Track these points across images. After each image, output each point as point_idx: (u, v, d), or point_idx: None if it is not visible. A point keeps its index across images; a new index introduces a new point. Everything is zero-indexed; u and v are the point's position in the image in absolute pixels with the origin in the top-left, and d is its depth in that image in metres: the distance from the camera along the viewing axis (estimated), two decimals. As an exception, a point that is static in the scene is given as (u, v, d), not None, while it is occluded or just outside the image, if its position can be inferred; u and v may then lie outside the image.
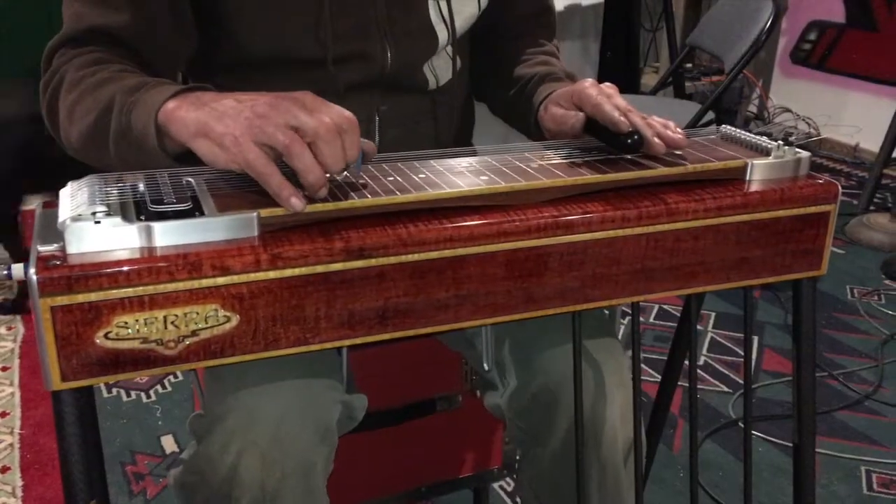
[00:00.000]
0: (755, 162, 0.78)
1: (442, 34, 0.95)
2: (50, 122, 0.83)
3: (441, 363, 1.08)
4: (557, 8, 2.88)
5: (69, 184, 0.67)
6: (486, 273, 0.68)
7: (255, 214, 0.63)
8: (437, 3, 0.93)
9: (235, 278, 0.61)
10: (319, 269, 0.63)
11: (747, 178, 0.78)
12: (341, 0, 0.87)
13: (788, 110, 3.68)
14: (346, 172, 0.70)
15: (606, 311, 1.11)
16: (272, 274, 0.62)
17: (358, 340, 0.67)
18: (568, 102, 0.85)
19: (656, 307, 2.17)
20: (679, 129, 0.79)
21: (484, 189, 0.70)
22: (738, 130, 0.85)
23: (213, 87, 0.73)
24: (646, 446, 0.89)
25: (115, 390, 1.78)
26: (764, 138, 0.82)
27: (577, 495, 0.81)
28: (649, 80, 3.56)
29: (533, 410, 0.88)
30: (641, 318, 2.06)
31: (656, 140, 0.76)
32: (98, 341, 0.59)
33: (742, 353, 1.92)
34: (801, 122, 3.64)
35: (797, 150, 0.81)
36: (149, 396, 1.77)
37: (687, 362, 1.00)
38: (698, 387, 1.84)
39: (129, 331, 0.60)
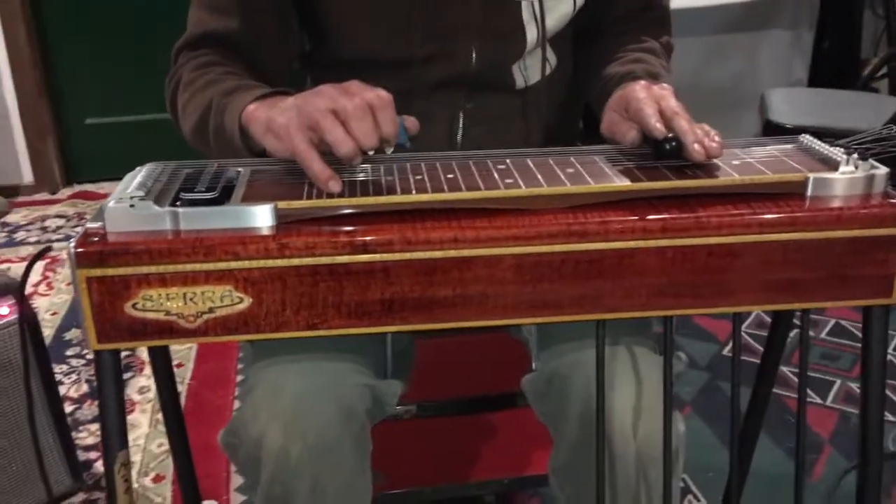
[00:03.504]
0: (816, 176, 0.72)
1: (531, 34, 0.95)
2: (172, 115, 0.95)
3: (523, 357, 1.09)
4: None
5: (137, 168, 0.77)
6: (494, 276, 0.69)
7: (271, 206, 0.68)
8: (532, 2, 0.94)
9: (246, 263, 0.67)
10: (325, 260, 0.67)
11: (808, 193, 0.72)
12: (432, 2, 0.90)
13: None
14: (390, 148, 0.75)
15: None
16: (280, 262, 0.67)
17: (366, 330, 0.71)
18: (620, 108, 0.82)
19: (832, 321, 2.00)
20: (717, 140, 0.74)
21: (501, 193, 0.71)
22: (816, 141, 0.79)
23: (295, 90, 0.81)
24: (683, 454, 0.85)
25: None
26: (839, 150, 0.75)
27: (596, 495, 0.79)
28: (877, 72, 3.23)
29: (550, 395, 0.87)
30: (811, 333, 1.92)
31: (696, 147, 0.73)
32: (127, 311, 0.67)
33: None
34: None
35: (874, 164, 0.73)
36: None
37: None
38: (855, 411, 1.68)
39: (153, 303, 0.67)
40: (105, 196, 0.67)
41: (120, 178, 0.74)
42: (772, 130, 2.07)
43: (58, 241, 2.62)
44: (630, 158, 0.78)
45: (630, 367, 0.83)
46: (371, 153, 0.73)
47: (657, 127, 0.74)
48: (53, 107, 2.97)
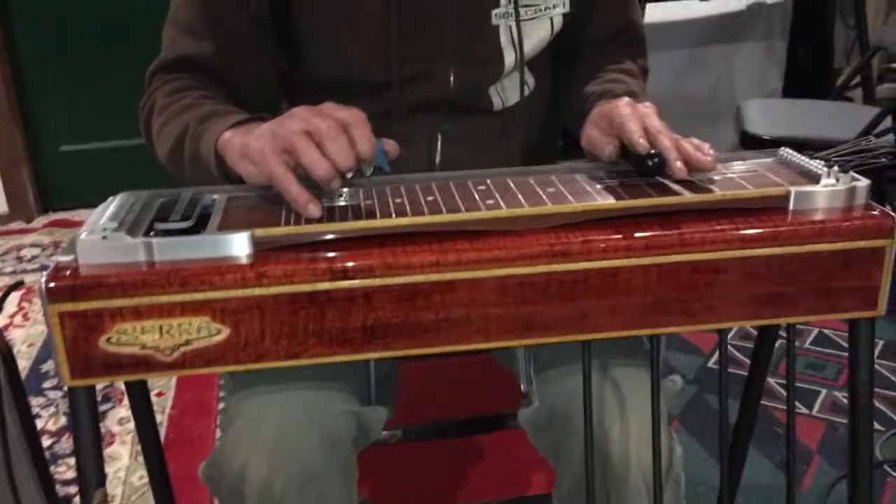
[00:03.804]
0: (798, 189, 0.71)
1: (509, 57, 0.95)
2: (147, 139, 0.93)
3: (506, 380, 1.07)
4: (738, 7, 2.75)
5: (110, 199, 0.75)
6: (477, 299, 0.68)
7: (248, 233, 0.67)
8: (510, 27, 0.93)
9: (223, 294, 0.65)
10: (304, 287, 0.66)
11: (790, 207, 0.72)
12: (410, 25, 0.90)
13: None
14: (369, 170, 0.74)
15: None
16: (258, 291, 0.66)
17: (348, 357, 0.69)
18: (603, 123, 0.82)
19: (815, 331, 2.01)
20: (710, 153, 0.74)
21: (483, 214, 0.70)
22: (797, 154, 0.79)
23: (272, 115, 0.79)
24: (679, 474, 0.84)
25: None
26: (820, 163, 0.75)
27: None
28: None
29: (551, 431, 0.86)
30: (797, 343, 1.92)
31: (678, 164, 0.72)
32: (101, 345, 0.65)
33: (905, 389, 1.74)
34: None
35: (855, 176, 0.73)
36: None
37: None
38: (842, 421, 1.68)
39: (128, 337, 0.66)
40: (81, 224, 0.66)
41: (96, 206, 0.72)
42: (748, 141, 2.08)
43: (34, 270, 2.59)
44: (611, 176, 0.77)
45: (626, 394, 0.82)
46: (349, 176, 0.71)
47: (640, 142, 0.74)
48: (27, 134, 2.94)
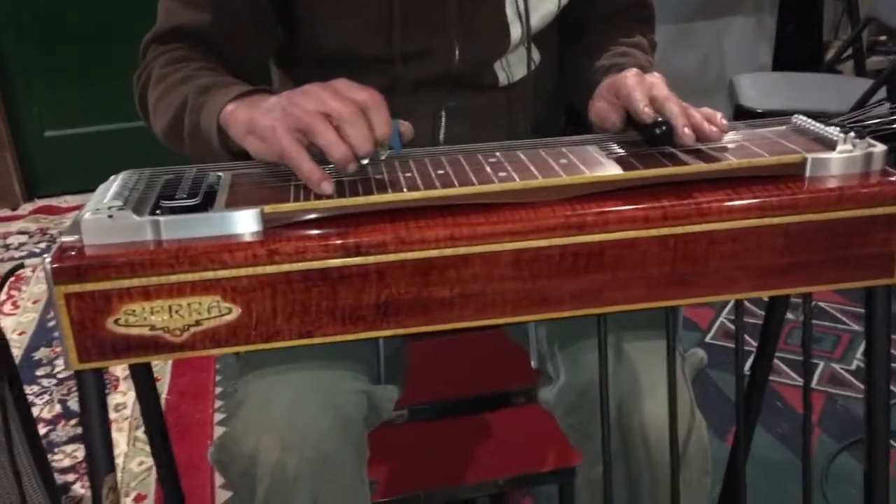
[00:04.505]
0: (814, 156, 0.70)
1: (515, 32, 0.93)
2: (142, 112, 0.90)
3: (516, 356, 1.06)
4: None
5: (112, 177, 0.73)
6: (492, 273, 0.67)
7: (257, 210, 0.65)
8: (516, 0, 0.91)
9: (234, 272, 0.64)
10: (316, 264, 0.64)
11: (806, 174, 0.71)
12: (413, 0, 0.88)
13: None
14: (385, 153, 0.72)
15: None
16: (269, 269, 0.64)
17: (362, 335, 0.68)
18: (610, 95, 0.80)
19: (813, 304, 2.00)
20: (723, 122, 0.73)
21: (496, 187, 0.68)
22: (811, 121, 0.77)
23: (274, 89, 0.77)
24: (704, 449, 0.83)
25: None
26: (835, 129, 0.74)
27: (605, 498, 0.77)
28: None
29: (581, 408, 0.85)
30: (790, 315, 1.92)
31: (686, 131, 0.71)
32: (109, 327, 0.64)
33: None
34: None
35: (871, 142, 0.72)
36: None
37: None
38: (845, 394, 1.69)
39: (137, 318, 0.64)
40: (69, 210, 0.64)
41: (83, 191, 0.71)
42: (743, 115, 2.07)
43: (21, 258, 2.55)
44: (622, 146, 0.76)
45: (651, 369, 0.81)
46: (365, 162, 0.70)
47: (646, 111, 0.73)
48: (11, 120, 2.89)
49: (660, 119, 0.73)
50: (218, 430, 1.67)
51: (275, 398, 0.75)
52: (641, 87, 0.75)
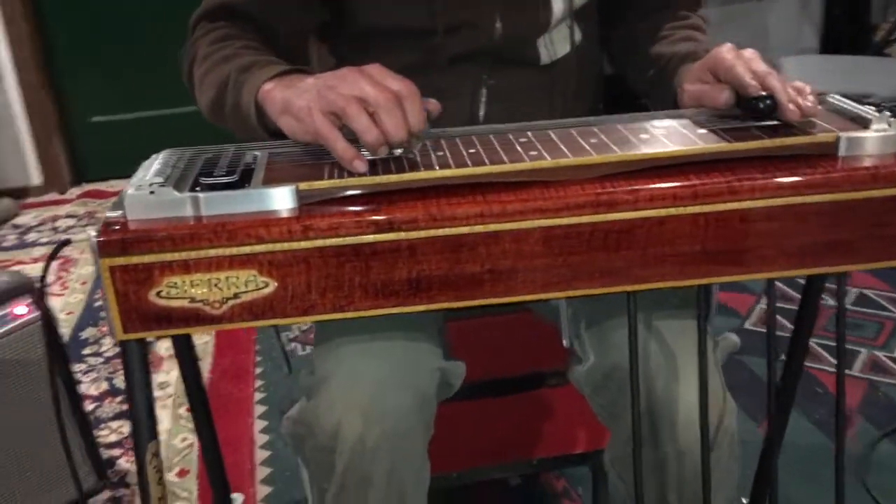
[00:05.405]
0: (848, 135, 0.70)
1: (557, 6, 0.93)
2: (189, 87, 0.93)
3: (549, 337, 1.07)
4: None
5: (153, 156, 0.75)
6: (523, 250, 0.68)
7: (292, 187, 0.67)
8: None
9: (270, 247, 0.66)
10: (350, 240, 0.66)
11: (840, 153, 0.70)
12: None
13: None
14: (418, 144, 0.73)
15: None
16: (304, 244, 0.66)
17: (393, 310, 0.69)
18: (706, 74, 0.80)
19: (856, 291, 1.98)
20: (811, 97, 0.73)
21: (527, 165, 0.69)
22: (846, 100, 0.77)
23: (313, 69, 0.79)
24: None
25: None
26: (870, 108, 0.73)
27: (634, 484, 0.77)
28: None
29: (609, 388, 0.86)
30: (831, 302, 1.90)
31: (791, 106, 0.71)
32: (151, 299, 0.66)
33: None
34: None
35: (907, 120, 0.71)
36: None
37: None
38: (887, 381, 1.67)
39: (178, 290, 0.66)
40: (115, 194, 0.66)
41: (129, 176, 0.72)
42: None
43: (70, 241, 2.62)
44: (655, 126, 0.76)
45: (681, 350, 0.81)
46: (398, 152, 0.71)
47: (752, 83, 0.73)
48: (59, 106, 2.96)
49: (764, 94, 0.73)
50: (258, 409, 1.71)
51: (359, 378, 0.78)
52: (741, 60, 0.76)
